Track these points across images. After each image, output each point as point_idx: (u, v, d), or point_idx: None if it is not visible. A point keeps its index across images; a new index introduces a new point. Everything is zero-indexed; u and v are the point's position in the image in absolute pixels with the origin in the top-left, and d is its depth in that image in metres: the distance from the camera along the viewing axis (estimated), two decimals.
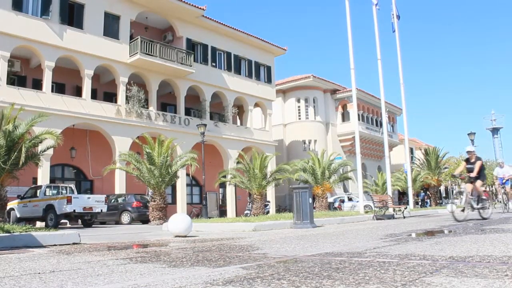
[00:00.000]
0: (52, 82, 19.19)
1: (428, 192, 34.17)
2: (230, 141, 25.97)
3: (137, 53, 21.36)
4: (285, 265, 2.94)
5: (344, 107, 36.57)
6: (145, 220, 18.40)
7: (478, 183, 9.57)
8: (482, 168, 9.91)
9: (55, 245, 5.71)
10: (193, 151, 18.94)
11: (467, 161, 10.02)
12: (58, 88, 20.83)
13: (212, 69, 25.90)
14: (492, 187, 29.05)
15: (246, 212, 23.07)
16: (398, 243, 4.39)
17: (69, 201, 14.65)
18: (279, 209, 27.48)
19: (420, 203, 32.90)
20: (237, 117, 29.87)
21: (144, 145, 17.52)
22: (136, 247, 5.25)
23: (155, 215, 17.10)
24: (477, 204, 9.35)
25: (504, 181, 13.52)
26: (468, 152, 10.10)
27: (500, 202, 13.96)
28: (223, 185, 25.72)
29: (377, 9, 18.07)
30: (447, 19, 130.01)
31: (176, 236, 7.20)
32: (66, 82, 21.66)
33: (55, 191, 16.33)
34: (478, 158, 9.87)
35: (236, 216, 23.03)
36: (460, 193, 9.34)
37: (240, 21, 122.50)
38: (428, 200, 33.56)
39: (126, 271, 2.92)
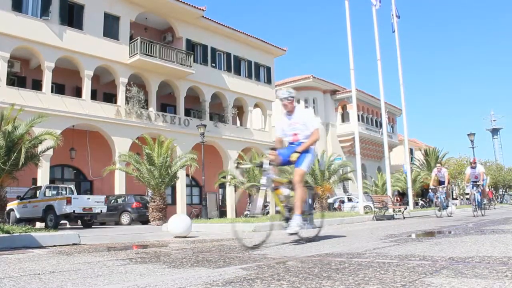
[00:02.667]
0: (52, 83, 19.20)
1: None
2: (230, 142, 25.97)
3: (136, 53, 21.38)
4: (284, 266, 2.93)
5: (344, 107, 36.59)
6: (145, 221, 18.39)
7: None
8: None
9: (54, 245, 5.71)
10: (192, 151, 18.93)
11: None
12: (58, 88, 20.83)
13: (212, 69, 25.91)
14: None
15: (246, 212, 23.06)
16: (398, 243, 4.39)
17: (68, 201, 14.65)
18: (279, 210, 27.41)
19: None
20: (237, 117, 29.87)
21: (143, 145, 17.51)
22: (136, 248, 5.24)
23: (154, 215, 17.09)
24: None
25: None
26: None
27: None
28: (222, 186, 25.71)
29: (376, 9, 18.04)
30: (447, 19, 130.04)
31: (176, 237, 7.19)
32: (66, 83, 21.67)
33: (54, 192, 16.32)
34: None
35: (236, 216, 23.01)
36: None
37: (240, 22, 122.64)
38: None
39: (126, 271, 2.91)
